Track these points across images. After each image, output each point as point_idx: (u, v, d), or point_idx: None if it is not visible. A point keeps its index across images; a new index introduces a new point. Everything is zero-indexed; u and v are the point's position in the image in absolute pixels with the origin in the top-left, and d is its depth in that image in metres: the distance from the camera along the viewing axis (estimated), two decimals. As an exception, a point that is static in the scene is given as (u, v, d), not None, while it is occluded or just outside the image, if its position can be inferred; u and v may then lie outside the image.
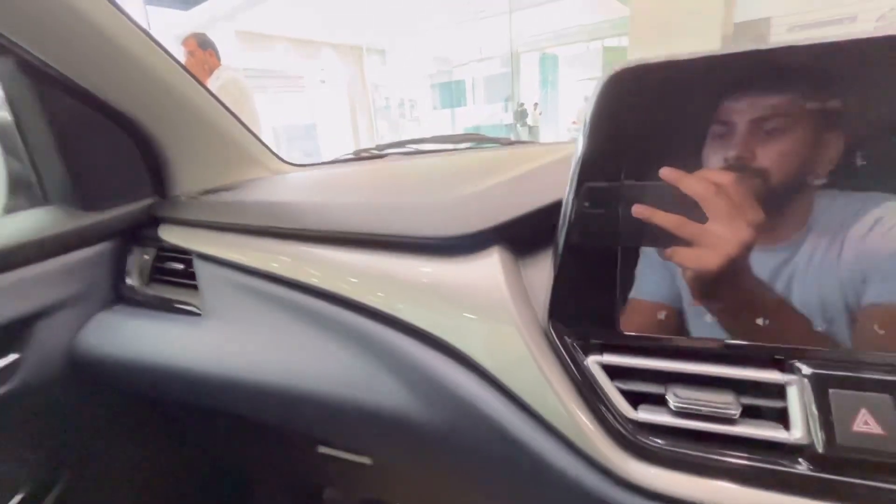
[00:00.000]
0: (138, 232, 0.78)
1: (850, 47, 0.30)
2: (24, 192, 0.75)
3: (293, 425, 0.65)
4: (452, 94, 10.89)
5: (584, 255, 0.40)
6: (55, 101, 0.67)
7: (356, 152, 1.20)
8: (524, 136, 10.23)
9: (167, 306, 0.71)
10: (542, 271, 0.48)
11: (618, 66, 0.37)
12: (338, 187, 0.76)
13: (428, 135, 1.24)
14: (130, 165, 0.78)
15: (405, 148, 1.19)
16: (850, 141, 0.31)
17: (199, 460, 0.94)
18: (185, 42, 2.66)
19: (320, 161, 1.18)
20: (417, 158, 0.96)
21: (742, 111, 0.33)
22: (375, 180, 0.78)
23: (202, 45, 2.66)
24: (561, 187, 0.48)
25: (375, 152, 1.19)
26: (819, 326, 0.33)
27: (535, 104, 10.85)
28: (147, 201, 0.80)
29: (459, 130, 11.30)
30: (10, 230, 0.65)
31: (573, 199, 0.39)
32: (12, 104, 0.68)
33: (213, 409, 0.69)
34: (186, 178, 0.84)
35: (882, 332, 0.31)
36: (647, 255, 0.37)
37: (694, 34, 3.75)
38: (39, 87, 0.65)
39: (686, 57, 0.35)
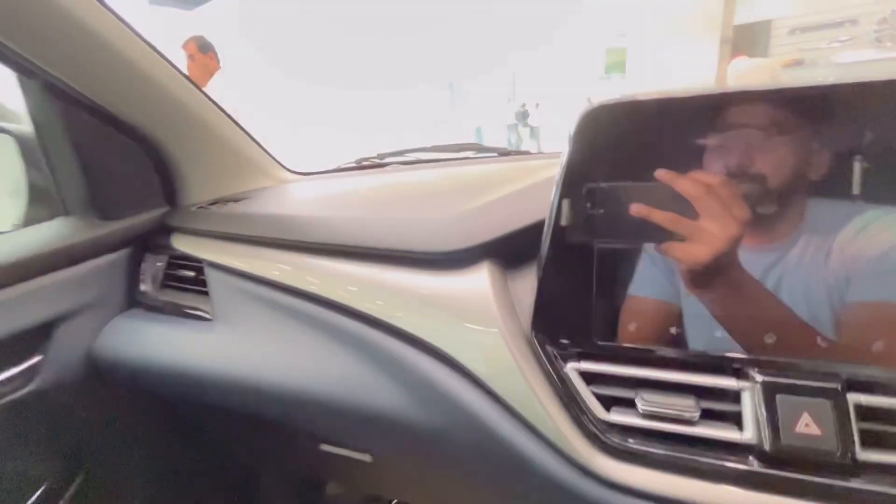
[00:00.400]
0: (151, 240, 0.83)
1: (827, 91, 0.35)
2: (45, 203, 0.80)
3: (296, 423, 0.70)
4: (452, 93, 10.93)
5: (564, 267, 0.44)
6: (75, 118, 0.71)
7: (358, 161, 1.25)
8: (525, 137, 10.26)
9: (179, 311, 0.75)
10: (528, 284, 0.52)
11: (596, 101, 0.41)
12: (340, 201, 0.81)
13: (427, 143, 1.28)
14: (143, 177, 0.83)
15: (405, 157, 1.23)
16: (838, 154, 0.35)
17: (207, 456, 0.99)
18: (185, 46, 2.68)
19: (323, 170, 1.23)
20: (417, 170, 1.00)
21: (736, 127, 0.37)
22: (376, 194, 0.82)
23: (202, 49, 2.69)
24: (548, 205, 0.52)
25: (377, 160, 1.23)
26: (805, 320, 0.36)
27: (537, 104, 10.87)
28: (159, 211, 0.85)
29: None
30: (33, 240, 0.70)
31: (555, 209, 0.43)
32: (36, 122, 0.73)
33: (221, 407, 0.73)
34: (196, 189, 0.88)
35: (863, 327, 0.35)
36: (647, 255, 0.41)
37: (694, 37, 3.77)
38: (61, 106, 0.70)
39: (655, 97, 0.39)
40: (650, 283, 0.41)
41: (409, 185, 0.86)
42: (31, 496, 0.72)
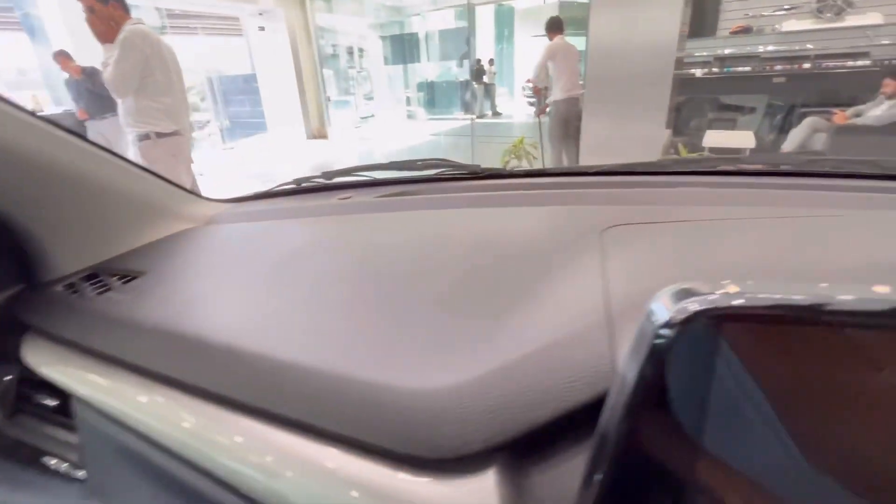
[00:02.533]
0: None
1: None
2: None
3: None
4: (405, 47, 10.24)
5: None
6: None
7: (297, 181, 1.00)
8: (479, 94, 9.89)
9: (38, 462, 0.52)
10: (550, 483, 0.35)
11: (703, 302, 0.23)
12: (277, 289, 0.55)
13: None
14: None
15: (355, 176, 1.00)
16: None
17: None
18: None
19: (254, 194, 0.97)
20: (382, 214, 0.76)
21: None
22: (329, 270, 0.57)
23: None
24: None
25: (322, 181, 0.99)
26: None
27: (491, 60, 10.44)
28: (7, 294, 0.59)
29: (412, 85, 10.72)
30: None
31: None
32: None
33: None
34: (66, 256, 0.62)
35: None
36: None
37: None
38: None
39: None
40: None
41: (380, 255, 0.60)
42: None
